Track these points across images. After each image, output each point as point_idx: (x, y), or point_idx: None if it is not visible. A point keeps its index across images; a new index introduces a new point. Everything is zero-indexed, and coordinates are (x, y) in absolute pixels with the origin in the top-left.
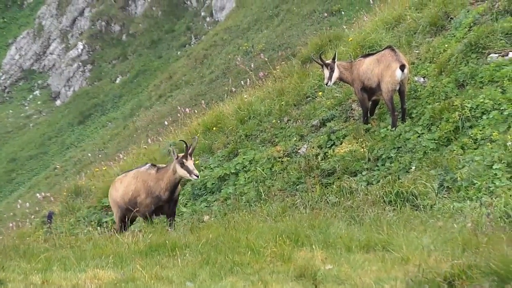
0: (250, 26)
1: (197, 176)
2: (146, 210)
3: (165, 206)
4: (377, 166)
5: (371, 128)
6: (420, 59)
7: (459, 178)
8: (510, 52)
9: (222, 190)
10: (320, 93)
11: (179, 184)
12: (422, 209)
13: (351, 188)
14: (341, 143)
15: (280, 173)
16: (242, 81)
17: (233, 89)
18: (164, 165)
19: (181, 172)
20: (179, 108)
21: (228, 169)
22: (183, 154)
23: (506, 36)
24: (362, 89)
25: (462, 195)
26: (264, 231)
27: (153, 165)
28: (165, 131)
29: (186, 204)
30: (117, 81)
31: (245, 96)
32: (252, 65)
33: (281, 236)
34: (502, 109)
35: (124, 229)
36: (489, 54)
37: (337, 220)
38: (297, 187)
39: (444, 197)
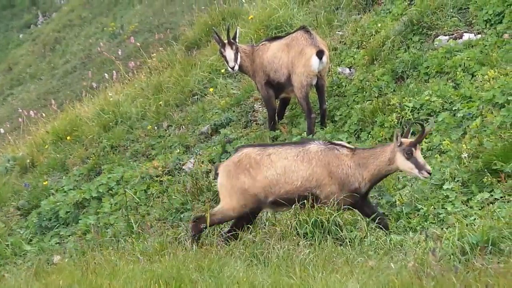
0: (119, 0)
1: (430, 174)
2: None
3: (360, 200)
4: None
5: (280, 136)
6: (345, 44)
7: (398, 202)
8: (465, 34)
9: (80, 221)
10: (211, 89)
11: None
12: (348, 243)
13: None
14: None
15: (158, 197)
16: (106, 74)
17: (95, 85)
18: (358, 147)
19: (405, 165)
20: (21, 110)
21: (88, 193)
22: (410, 140)
23: (460, 12)
24: (267, 84)
25: (402, 225)
26: (135, 275)
27: (332, 143)
28: (2, 142)
29: (31, 240)
30: None
31: (110, 94)
32: (120, 52)
33: (157, 281)
34: (455, 110)
35: (246, 223)
36: (437, 36)
37: (233, 260)
38: (182, 215)
39: (379, 228)
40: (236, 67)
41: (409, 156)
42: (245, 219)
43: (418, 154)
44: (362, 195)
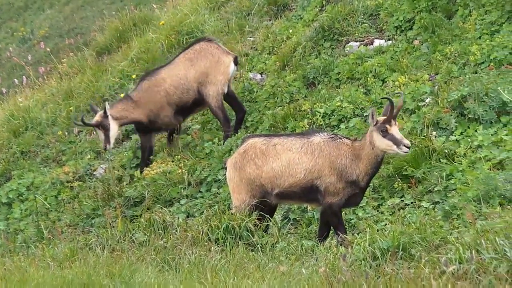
0: (28, 4)
1: (409, 148)
2: (336, 200)
3: (358, 195)
4: (201, 192)
5: (192, 142)
6: (256, 49)
7: (309, 208)
8: (376, 40)
9: None
10: (122, 94)
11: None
12: (260, 249)
13: (164, 222)
14: (151, 162)
15: (69, 203)
16: (16, 79)
17: (4, 90)
18: (352, 138)
19: (384, 144)
20: None
21: None
22: (384, 117)
23: (370, 18)
24: (178, 113)
25: (314, 230)
26: (46, 281)
27: (335, 134)
28: None
29: None
30: None
31: (20, 100)
32: (30, 58)
33: (68, 287)
34: (366, 115)
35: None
36: (348, 42)
37: (145, 265)
38: (93, 221)
39: (290, 233)
40: (109, 146)
41: (385, 133)
42: (263, 211)
43: (394, 130)
44: (361, 188)
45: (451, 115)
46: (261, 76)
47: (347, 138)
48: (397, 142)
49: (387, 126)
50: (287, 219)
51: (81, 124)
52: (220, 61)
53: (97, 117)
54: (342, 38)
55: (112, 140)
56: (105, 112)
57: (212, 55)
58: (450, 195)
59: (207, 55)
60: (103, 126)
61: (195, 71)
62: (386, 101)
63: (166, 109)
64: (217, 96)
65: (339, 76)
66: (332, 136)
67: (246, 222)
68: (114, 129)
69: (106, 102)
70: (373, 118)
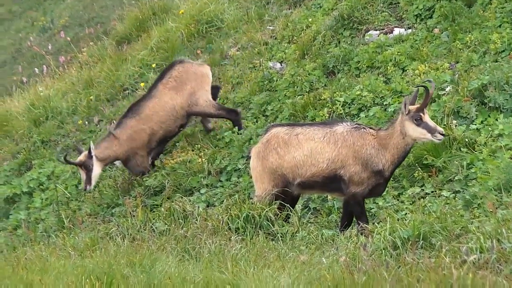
0: None
1: (443, 136)
2: (360, 189)
3: (382, 185)
4: (221, 181)
5: (212, 131)
6: (276, 38)
7: (330, 197)
8: (395, 28)
9: (10, 216)
10: (142, 84)
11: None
12: (280, 238)
13: (185, 211)
14: (171, 151)
15: (90, 193)
16: (36, 69)
17: (25, 80)
18: (376, 127)
19: (417, 133)
20: None
21: (19, 188)
22: (417, 106)
23: (390, 6)
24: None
25: (334, 220)
26: (67, 270)
27: (359, 124)
28: None
29: None
30: None
31: (40, 89)
32: (50, 47)
33: (89, 277)
34: (386, 104)
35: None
36: (367, 31)
37: (165, 255)
38: (113, 210)
39: (310, 222)
40: (90, 187)
41: (419, 122)
42: (285, 201)
43: (427, 118)
44: (385, 178)
45: (471, 104)
46: (281, 65)
47: (370, 127)
48: (431, 130)
49: (421, 114)
50: (307, 208)
51: (64, 162)
52: (203, 74)
53: (81, 157)
54: (362, 27)
55: (93, 182)
56: (89, 152)
57: (195, 73)
58: (470, 184)
59: (190, 77)
60: (86, 167)
61: (182, 96)
62: (407, 89)
63: (144, 149)
64: (210, 101)
65: (359, 65)
66: (355, 125)
67: (266, 211)
68: (96, 170)
69: (91, 142)
70: (405, 107)
